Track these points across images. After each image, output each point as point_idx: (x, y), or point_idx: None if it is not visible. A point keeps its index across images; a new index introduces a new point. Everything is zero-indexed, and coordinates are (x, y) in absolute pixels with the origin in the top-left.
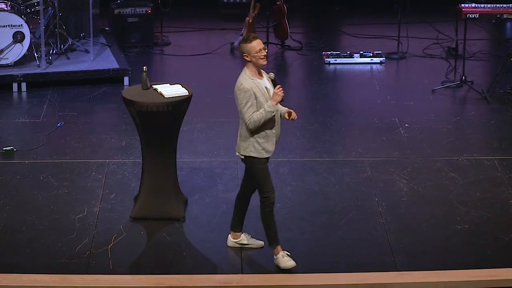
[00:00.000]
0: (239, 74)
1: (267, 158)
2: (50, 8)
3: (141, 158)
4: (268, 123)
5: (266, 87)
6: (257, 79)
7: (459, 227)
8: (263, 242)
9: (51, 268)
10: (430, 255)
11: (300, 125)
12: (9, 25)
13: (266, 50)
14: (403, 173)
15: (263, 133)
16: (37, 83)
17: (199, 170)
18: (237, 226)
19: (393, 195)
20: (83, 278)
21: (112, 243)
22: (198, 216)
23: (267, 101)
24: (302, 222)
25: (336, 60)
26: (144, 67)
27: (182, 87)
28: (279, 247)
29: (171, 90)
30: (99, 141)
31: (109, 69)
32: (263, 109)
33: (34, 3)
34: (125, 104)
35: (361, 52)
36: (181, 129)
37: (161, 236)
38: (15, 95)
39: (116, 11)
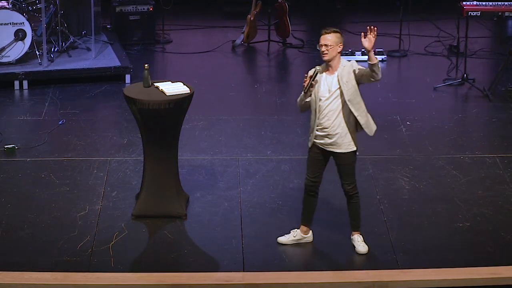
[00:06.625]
0: (240, 72)
1: (318, 148)
2: (51, 6)
3: (143, 156)
4: (312, 113)
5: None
6: (324, 73)
7: (461, 225)
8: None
9: (53, 266)
10: (432, 253)
11: (301, 123)
12: (10, 23)
13: (328, 48)
14: (404, 171)
15: (311, 123)
16: (38, 81)
17: (201, 168)
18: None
19: (395, 193)
20: (84, 276)
21: (113, 241)
22: (199, 214)
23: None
24: None
25: None
26: (146, 65)
27: (184, 84)
28: (302, 226)
29: (172, 88)
30: (100, 139)
31: (111, 67)
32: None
33: (36, 1)
34: (126, 102)
35: (363, 50)
36: (182, 126)
37: (162, 234)
38: (17, 93)
39: (117, 9)
